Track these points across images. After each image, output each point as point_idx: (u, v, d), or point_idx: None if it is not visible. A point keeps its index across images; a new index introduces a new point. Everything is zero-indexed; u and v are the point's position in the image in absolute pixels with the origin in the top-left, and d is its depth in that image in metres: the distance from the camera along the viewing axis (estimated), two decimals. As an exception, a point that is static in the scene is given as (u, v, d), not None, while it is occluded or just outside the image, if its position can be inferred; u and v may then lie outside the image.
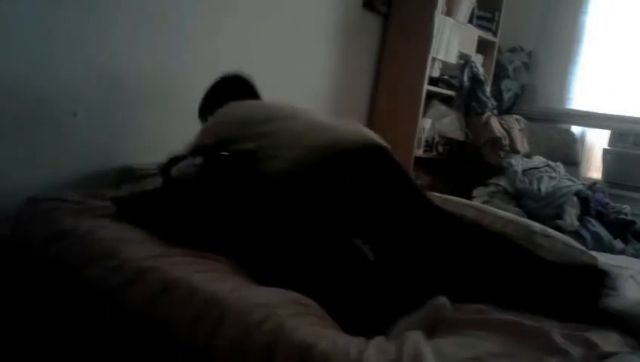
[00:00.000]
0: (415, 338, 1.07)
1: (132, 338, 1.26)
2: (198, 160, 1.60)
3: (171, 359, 1.18)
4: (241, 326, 1.11)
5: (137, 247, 1.42)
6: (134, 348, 1.26)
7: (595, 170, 3.74)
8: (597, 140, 3.77)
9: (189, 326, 1.16)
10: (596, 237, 2.77)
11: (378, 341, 1.08)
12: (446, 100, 3.42)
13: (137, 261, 1.34)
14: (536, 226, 1.75)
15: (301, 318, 1.14)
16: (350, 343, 1.06)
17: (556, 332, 1.16)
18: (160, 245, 1.45)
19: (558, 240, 1.73)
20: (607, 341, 1.20)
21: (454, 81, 3.37)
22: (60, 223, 1.57)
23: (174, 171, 1.60)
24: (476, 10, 3.53)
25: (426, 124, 3.25)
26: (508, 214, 1.93)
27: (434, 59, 3.20)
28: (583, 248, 1.78)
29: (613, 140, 3.55)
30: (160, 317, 1.21)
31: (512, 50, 3.90)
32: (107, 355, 1.31)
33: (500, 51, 3.80)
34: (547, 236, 1.72)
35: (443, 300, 1.23)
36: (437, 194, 2.16)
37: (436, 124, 3.32)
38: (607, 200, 3.12)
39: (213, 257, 1.38)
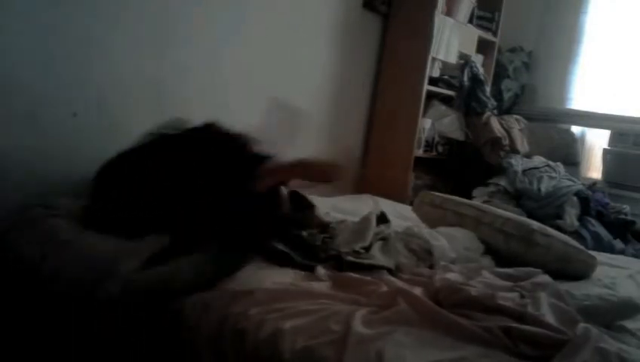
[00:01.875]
0: None
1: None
2: None
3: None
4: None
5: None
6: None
7: (595, 170, 3.74)
8: (597, 140, 3.77)
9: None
10: (596, 237, 2.77)
11: None
12: (446, 100, 3.42)
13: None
14: (535, 225, 1.76)
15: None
16: None
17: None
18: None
19: (556, 239, 1.74)
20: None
21: (454, 81, 3.37)
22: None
23: None
24: (476, 10, 3.53)
25: (426, 124, 3.25)
26: (507, 213, 1.94)
27: (434, 59, 3.19)
28: (582, 247, 1.79)
29: (613, 140, 3.55)
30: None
31: (512, 50, 3.90)
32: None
33: (500, 51, 3.80)
34: (546, 235, 1.73)
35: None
36: (437, 194, 2.17)
37: (436, 124, 3.32)
38: (607, 200, 3.12)
39: None
